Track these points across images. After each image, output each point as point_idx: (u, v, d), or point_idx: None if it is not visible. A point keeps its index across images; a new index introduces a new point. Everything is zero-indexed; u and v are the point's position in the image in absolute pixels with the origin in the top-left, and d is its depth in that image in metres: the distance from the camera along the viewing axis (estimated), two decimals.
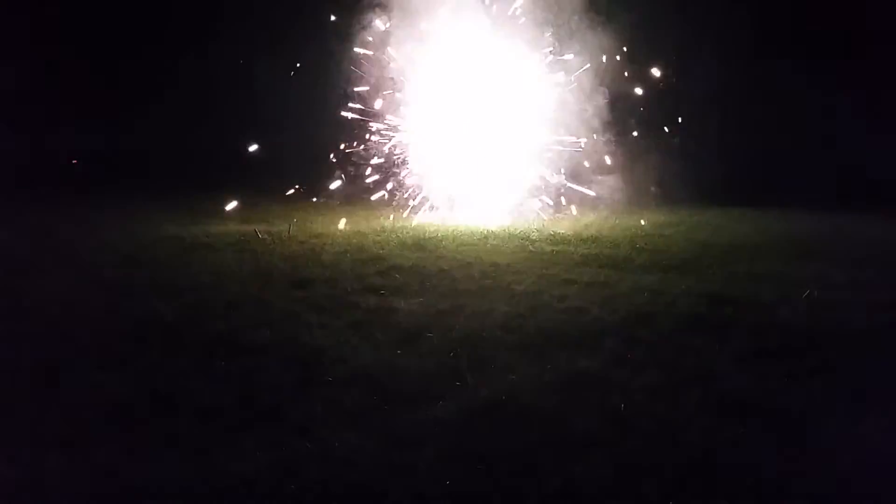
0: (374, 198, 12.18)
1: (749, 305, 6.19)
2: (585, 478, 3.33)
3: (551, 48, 11.75)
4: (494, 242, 9.36)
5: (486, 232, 10.18)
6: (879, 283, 7.05)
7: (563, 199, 12.23)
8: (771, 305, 6.18)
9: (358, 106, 11.96)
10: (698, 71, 14.75)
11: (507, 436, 3.72)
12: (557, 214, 11.74)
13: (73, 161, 17.27)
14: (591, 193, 12.18)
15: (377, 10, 11.59)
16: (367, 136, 12.05)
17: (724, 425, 3.86)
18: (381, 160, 12.08)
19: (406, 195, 12.05)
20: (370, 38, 11.74)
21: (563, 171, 12.12)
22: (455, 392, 4.25)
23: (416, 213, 11.79)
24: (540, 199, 11.99)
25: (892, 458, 3.55)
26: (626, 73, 12.33)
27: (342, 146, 12.15)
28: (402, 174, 12.10)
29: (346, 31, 11.66)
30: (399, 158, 12.05)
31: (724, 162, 14.38)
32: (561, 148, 12.02)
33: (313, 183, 12.56)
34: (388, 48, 11.74)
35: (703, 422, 3.89)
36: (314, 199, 12.56)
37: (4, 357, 4.77)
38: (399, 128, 11.97)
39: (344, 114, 12.00)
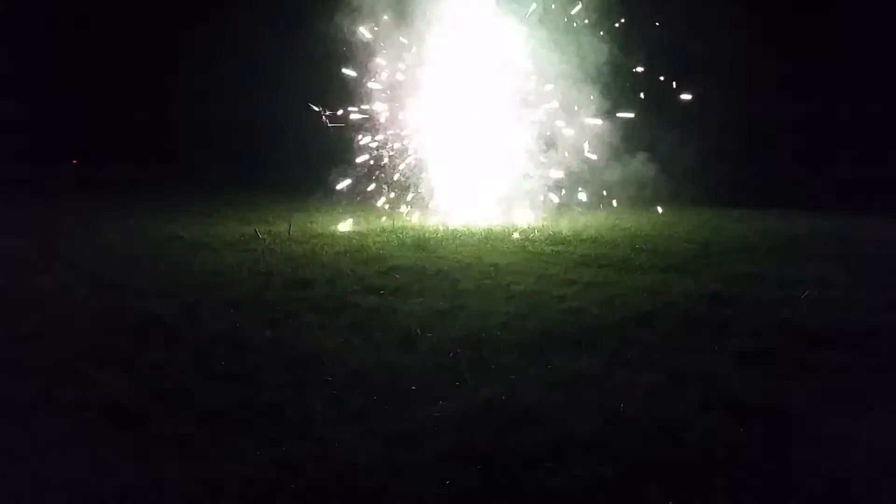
0: (374, 198, 12.19)
1: (749, 305, 6.19)
2: (585, 478, 3.33)
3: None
4: (494, 242, 9.36)
5: (486, 232, 10.19)
6: (879, 283, 7.05)
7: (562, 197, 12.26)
8: (771, 305, 6.18)
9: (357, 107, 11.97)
10: (700, 70, 14.74)
11: (507, 436, 3.72)
12: (558, 216, 11.75)
13: (73, 161, 17.31)
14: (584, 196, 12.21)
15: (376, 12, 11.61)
16: (368, 137, 12.07)
17: (724, 425, 3.86)
18: (383, 161, 12.10)
19: (406, 195, 12.06)
20: (370, 39, 11.75)
21: (562, 171, 12.14)
22: (455, 392, 4.25)
23: (416, 213, 11.80)
24: (540, 199, 12.01)
25: (891, 457, 3.54)
26: (628, 73, 12.35)
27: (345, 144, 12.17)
28: (403, 175, 12.11)
29: (345, 33, 11.67)
30: (400, 159, 12.07)
31: (724, 162, 14.40)
32: (561, 148, 12.04)
33: (313, 184, 12.56)
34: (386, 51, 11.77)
35: (703, 422, 3.89)
36: (315, 199, 12.57)
37: (4, 357, 4.77)
38: (399, 129, 11.98)
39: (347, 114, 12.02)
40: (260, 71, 15.62)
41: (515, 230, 10.36)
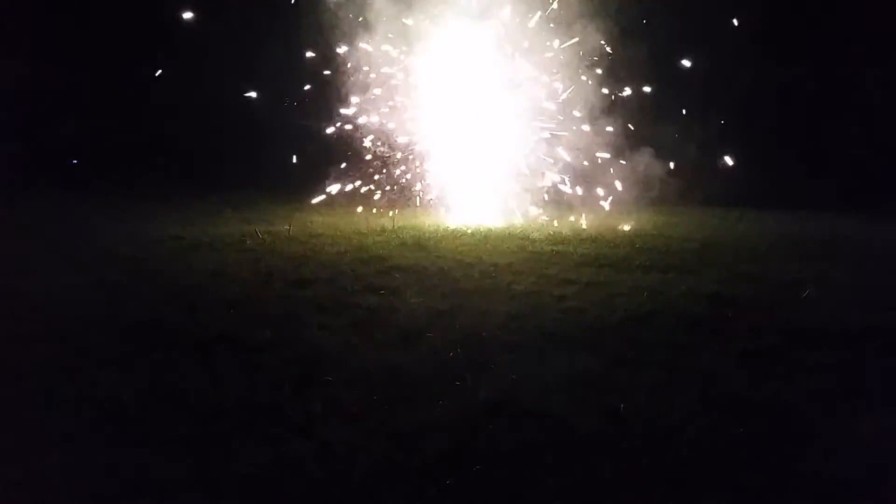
0: (375, 198, 12.18)
1: (749, 305, 6.19)
2: (585, 478, 3.33)
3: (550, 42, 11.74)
4: (494, 242, 9.37)
5: (486, 232, 10.19)
6: (879, 283, 7.05)
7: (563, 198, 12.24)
8: (771, 305, 6.18)
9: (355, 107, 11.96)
10: (699, 68, 14.72)
11: (507, 436, 3.72)
12: (558, 215, 11.75)
13: (73, 161, 17.30)
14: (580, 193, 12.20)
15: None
16: (368, 135, 12.06)
17: (724, 425, 3.86)
18: (383, 160, 12.09)
19: (407, 195, 12.05)
20: (368, 38, 11.73)
21: (562, 171, 12.13)
22: (455, 392, 4.25)
23: (417, 212, 11.79)
24: (540, 199, 12.00)
25: (891, 457, 3.55)
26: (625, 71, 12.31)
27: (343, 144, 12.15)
28: (403, 174, 12.11)
29: (343, 30, 11.64)
30: (400, 158, 12.06)
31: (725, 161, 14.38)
32: (561, 148, 12.03)
33: (313, 183, 12.55)
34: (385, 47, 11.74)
35: (703, 421, 3.89)
36: (315, 200, 12.55)
37: (4, 357, 4.77)
38: (399, 128, 11.97)
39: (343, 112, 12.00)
40: (254, 66, 15.56)
41: (516, 230, 10.35)
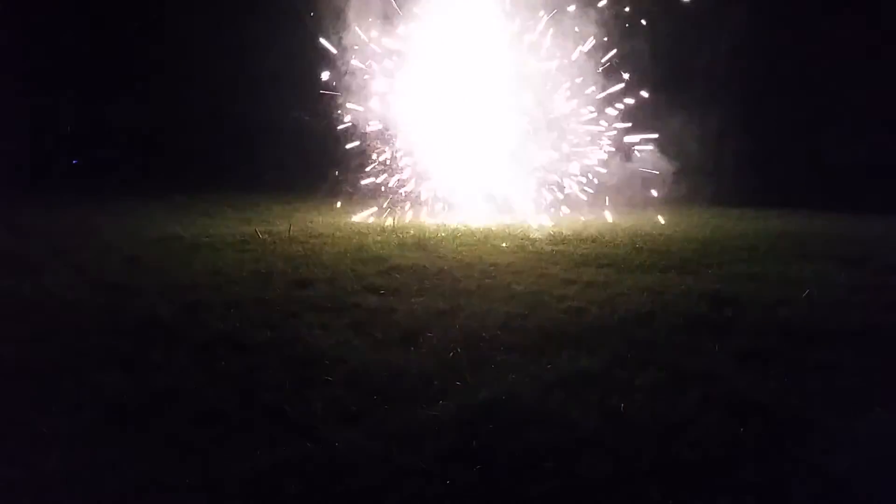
0: (375, 198, 12.18)
1: (749, 305, 6.19)
2: (585, 478, 3.33)
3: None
4: (494, 242, 9.37)
5: (486, 232, 10.19)
6: (879, 283, 7.05)
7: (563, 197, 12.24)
8: (771, 305, 6.18)
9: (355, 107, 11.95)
10: (699, 69, 14.73)
11: (508, 436, 3.72)
12: (559, 215, 11.75)
13: (74, 161, 17.33)
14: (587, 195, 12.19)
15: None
16: (368, 136, 12.05)
17: (724, 425, 3.86)
18: (383, 161, 12.09)
19: (407, 195, 12.06)
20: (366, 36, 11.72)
21: (563, 171, 12.14)
22: (455, 392, 4.25)
23: (417, 212, 11.80)
24: (541, 199, 12.01)
25: (891, 457, 3.54)
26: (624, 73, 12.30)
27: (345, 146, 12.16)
28: (404, 174, 12.11)
29: (340, 27, 11.65)
30: (400, 159, 12.06)
31: (724, 161, 14.39)
32: (559, 150, 12.03)
33: (313, 184, 12.57)
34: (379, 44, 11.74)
35: (703, 421, 3.89)
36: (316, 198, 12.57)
37: (4, 357, 4.77)
38: (400, 128, 11.97)
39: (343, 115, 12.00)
40: (254, 67, 15.58)
41: (516, 230, 10.35)
